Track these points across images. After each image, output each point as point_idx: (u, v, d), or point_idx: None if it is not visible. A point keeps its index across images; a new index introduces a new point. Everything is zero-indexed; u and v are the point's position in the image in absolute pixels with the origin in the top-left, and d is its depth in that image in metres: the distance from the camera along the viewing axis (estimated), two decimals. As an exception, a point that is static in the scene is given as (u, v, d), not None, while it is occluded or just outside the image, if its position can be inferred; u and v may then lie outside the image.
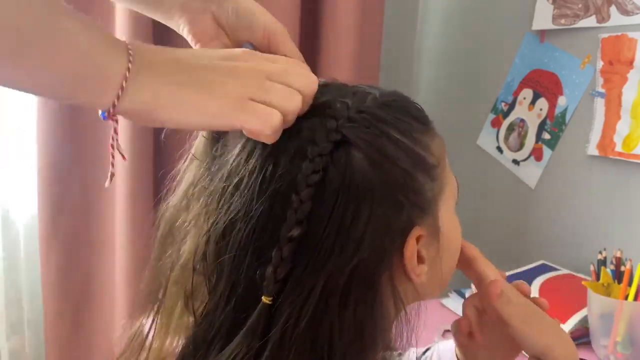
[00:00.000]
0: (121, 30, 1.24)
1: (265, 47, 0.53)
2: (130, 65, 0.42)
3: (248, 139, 0.48)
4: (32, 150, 1.28)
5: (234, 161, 0.49)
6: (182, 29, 0.55)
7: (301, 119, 0.48)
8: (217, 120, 0.45)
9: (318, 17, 1.42)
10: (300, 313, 0.45)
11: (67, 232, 1.32)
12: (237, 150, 0.49)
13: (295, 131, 0.47)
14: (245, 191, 0.47)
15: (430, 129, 0.52)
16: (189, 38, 0.55)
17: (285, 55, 0.53)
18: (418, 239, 0.48)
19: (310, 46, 1.41)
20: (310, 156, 0.45)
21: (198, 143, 0.53)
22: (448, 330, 1.09)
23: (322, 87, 0.50)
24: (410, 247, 0.47)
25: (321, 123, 0.47)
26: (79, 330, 1.37)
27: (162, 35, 1.19)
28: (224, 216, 0.47)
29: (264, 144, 0.47)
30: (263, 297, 0.45)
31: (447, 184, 0.52)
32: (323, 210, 0.45)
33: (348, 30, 1.39)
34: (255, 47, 0.53)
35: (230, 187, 0.48)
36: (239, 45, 0.53)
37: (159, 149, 1.31)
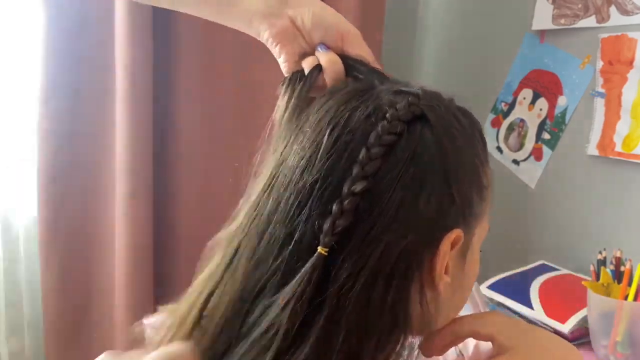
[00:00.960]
0: (120, 21, 1.23)
1: (338, 48, 0.57)
2: None
3: (324, 97, 0.49)
4: (32, 150, 1.28)
5: (310, 118, 0.49)
6: (263, 34, 0.58)
7: (381, 91, 0.49)
8: None
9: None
10: (358, 276, 0.44)
11: (67, 232, 1.32)
12: (314, 109, 0.50)
13: (374, 96, 0.48)
14: (314, 141, 0.47)
15: (487, 153, 0.53)
16: (269, 41, 0.57)
17: (358, 56, 0.56)
18: (453, 244, 0.47)
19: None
20: (389, 118, 0.46)
21: (281, 114, 0.53)
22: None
23: (403, 85, 0.51)
24: (445, 247, 0.46)
25: (403, 96, 0.48)
26: (79, 330, 1.37)
27: (162, 23, 1.19)
28: (291, 164, 0.47)
29: (339, 99, 0.48)
30: (319, 248, 0.44)
31: (485, 215, 0.52)
32: (390, 175, 0.45)
33: (348, 30, 1.38)
34: (329, 48, 0.57)
35: (300, 136, 0.48)
36: (314, 46, 0.57)
37: (159, 150, 1.31)
